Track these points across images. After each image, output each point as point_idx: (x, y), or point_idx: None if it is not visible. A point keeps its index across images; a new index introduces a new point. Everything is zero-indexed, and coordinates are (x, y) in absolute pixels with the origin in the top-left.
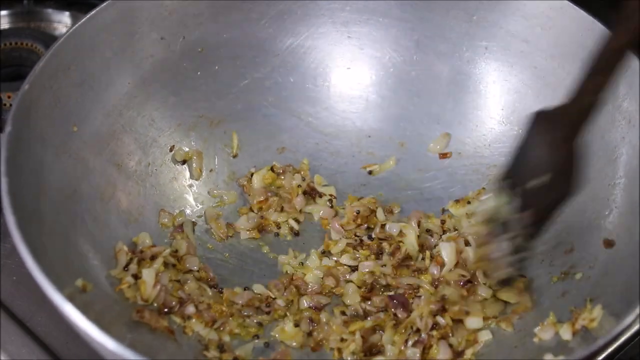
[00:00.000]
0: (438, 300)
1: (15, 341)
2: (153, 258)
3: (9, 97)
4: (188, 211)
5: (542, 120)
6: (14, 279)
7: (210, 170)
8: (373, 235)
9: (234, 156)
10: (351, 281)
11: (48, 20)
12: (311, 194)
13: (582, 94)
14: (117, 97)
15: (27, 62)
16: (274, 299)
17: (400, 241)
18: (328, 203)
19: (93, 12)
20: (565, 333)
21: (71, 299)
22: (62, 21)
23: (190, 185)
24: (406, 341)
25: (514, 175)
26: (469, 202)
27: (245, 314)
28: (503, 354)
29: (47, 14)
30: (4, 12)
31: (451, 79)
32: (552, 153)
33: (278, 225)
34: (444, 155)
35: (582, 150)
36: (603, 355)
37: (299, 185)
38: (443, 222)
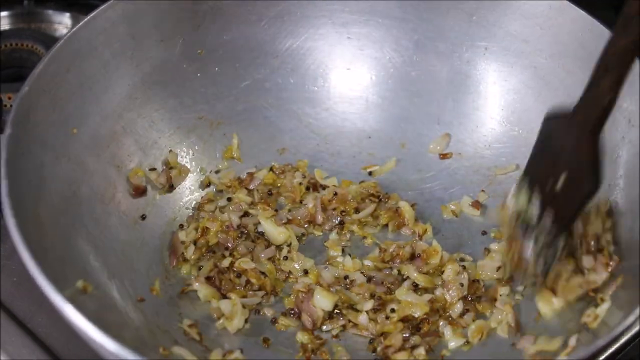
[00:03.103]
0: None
1: (15, 342)
2: None
3: (9, 98)
4: (188, 212)
5: (560, 120)
6: (14, 279)
7: (211, 172)
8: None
9: (235, 158)
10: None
11: (48, 21)
12: (314, 188)
13: (600, 93)
14: (116, 100)
15: (28, 63)
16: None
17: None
18: (333, 194)
19: (92, 14)
20: None
21: (72, 300)
22: (62, 22)
23: (191, 186)
24: None
25: (535, 174)
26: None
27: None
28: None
29: (48, 15)
30: (4, 13)
31: (451, 79)
32: (579, 150)
33: None
34: (444, 156)
35: (603, 148)
36: (604, 356)
37: (300, 183)
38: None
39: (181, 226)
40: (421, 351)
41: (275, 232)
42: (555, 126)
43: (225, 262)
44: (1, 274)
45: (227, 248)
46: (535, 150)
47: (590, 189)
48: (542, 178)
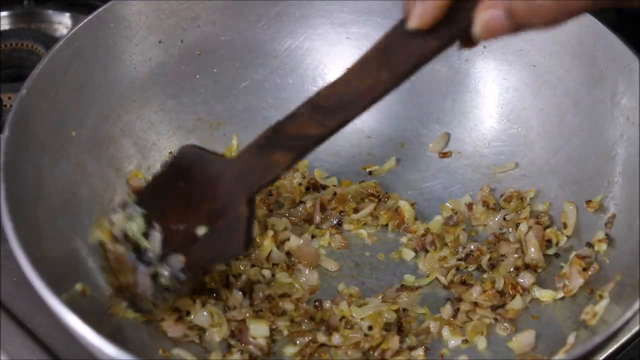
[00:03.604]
0: None
1: (15, 342)
2: None
3: (9, 98)
4: None
5: (211, 165)
6: (14, 279)
7: None
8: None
9: None
10: None
11: (48, 21)
12: (315, 188)
13: (274, 164)
14: (115, 101)
15: (28, 63)
16: None
17: None
18: (332, 194)
19: (90, 16)
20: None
21: (70, 303)
22: (62, 22)
23: None
24: None
25: (156, 205)
26: None
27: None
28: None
29: (48, 15)
30: (4, 13)
31: (450, 78)
32: (236, 209)
33: None
34: (444, 155)
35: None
36: (604, 356)
37: (300, 184)
38: None
39: None
40: (420, 352)
41: None
42: (198, 167)
43: None
44: (1, 274)
45: None
46: (162, 181)
47: (241, 250)
48: (167, 215)
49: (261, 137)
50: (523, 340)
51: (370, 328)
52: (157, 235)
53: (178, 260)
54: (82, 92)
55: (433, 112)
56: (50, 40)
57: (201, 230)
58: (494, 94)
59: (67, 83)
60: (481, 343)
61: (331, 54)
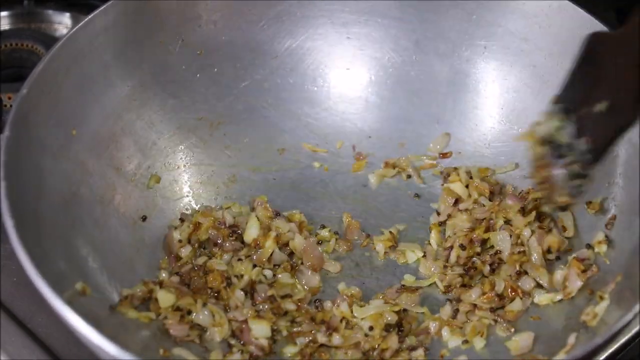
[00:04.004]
0: None
1: (15, 342)
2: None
3: (9, 98)
4: (188, 213)
5: (602, 44)
6: (15, 279)
7: (212, 173)
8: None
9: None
10: None
11: (48, 21)
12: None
13: None
14: (116, 101)
15: (28, 63)
16: None
17: None
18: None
19: (91, 15)
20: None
21: (70, 302)
22: (62, 22)
23: (190, 188)
24: None
25: (569, 99)
26: None
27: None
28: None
29: (48, 15)
30: (4, 13)
31: (450, 78)
32: (617, 78)
33: None
34: (444, 155)
35: None
36: (604, 356)
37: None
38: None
39: (175, 228)
40: (420, 352)
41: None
42: (599, 49)
43: (200, 260)
44: (1, 274)
45: (216, 245)
46: (573, 75)
47: (630, 119)
48: (578, 103)
49: None
50: (521, 341)
51: (371, 328)
52: (569, 127)
53: (582, 142)
54: (83, 92)
55: (433, 112)
56: (50, 40)
57: (603, 107)
58: (494, 95)
59: (67, 82)
60: (479, 343)
61: (332, 54)
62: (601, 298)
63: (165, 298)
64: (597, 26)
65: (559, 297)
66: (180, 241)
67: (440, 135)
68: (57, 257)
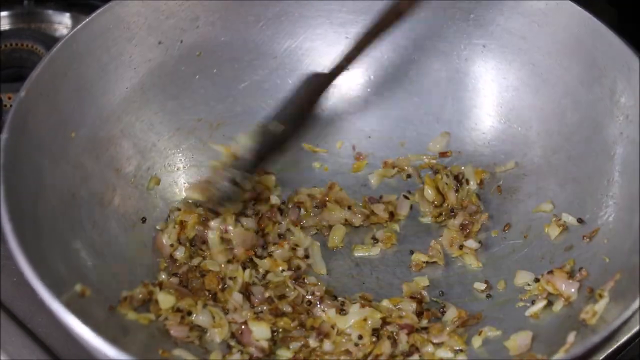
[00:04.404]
0: None
1: (15, 342)
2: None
3: (9, 98)
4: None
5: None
6: (14, 279)
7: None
8: None
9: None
10: None
11: (48, 21)
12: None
13: None
14: (115, 102)
15: (28, 63)
16: None
17: None
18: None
19: (89, 18)
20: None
21: (69, 304)
22: (62, 22)
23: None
24: None
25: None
26: None
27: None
28: None
29: (48, 15)
30: (4, 13)
31: (449, 77)
32: None
33: None
34: (444, 155)
35: None
36: (603, 355)
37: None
38: None
39: (162, 230)
40: (415, 358)
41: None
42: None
43: (195, 261)
44: (1, 274)
45: (204, 242)
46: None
47: None
48: None
49: None
50: (519, 340)
51: (360, 337)
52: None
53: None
54: (82, 93)
55: (433, 111)
56: (50, 40)
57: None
58: (493, 93)
59: (66, 84)
60: (476, 341)
61: (331, 54)
62: (600, 296)
63: (165, 299)
64: (595, 23)
65: (560, 305)
66: (172, 245)
67: (439, 135)
68: (56, 259)
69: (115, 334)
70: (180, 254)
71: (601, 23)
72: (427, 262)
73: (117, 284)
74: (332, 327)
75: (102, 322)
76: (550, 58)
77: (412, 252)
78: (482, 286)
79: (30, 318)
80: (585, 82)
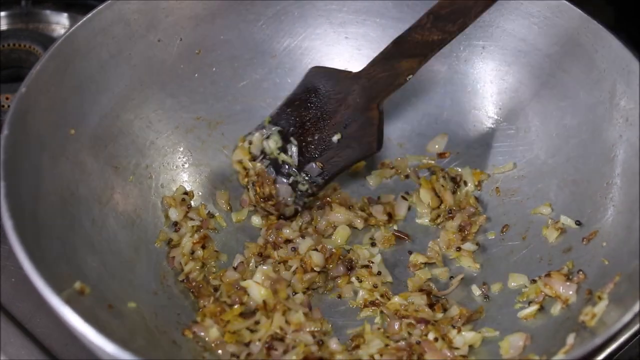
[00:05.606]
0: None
1: (14, 342)
2: None
3: (7, 98)
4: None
5: (334, 79)
6: (13, 280)
7: (210, 172)
8: None
9: None
10: None
11: (46, 21)
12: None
13: (399, 72)
14: (114, 100)
15: (26, 63)
16: None
17: None
18: None
19: (89, 15)
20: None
21: (69, 301)
22: (60, 22)
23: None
24: None
25: (291, 124)
26: None
27: None
28: None
29: (46, 15)
30: (2, 14)
31: (448, 78)
32: (367, 116)
33: None
34: (442, 155)
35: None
36: (603, 355)
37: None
38: None
39: (174, 246)
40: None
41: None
42: (326, 83)
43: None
44: (0, 275)
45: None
46: (294, 101)
47: (374, 150)
48: (303, 128)
49: (385, 50)
50: (512, 341)
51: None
52: (294, 149)
53: (316, 167)
54: (81, 91)
55: (431, 112)
56: (48, 40)
57: (335, 137)
58: (492, 95)
59: (66, 81)
60: (477, 340)
61: (330, 54)
62: (600, 298)
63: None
64: (594, 25)
65: (558, 308)
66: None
67: (438, 136)
68: (56, 256)
69: (114, 331)
70: (193, 265)
71: (601, 25)
72: (425, 263)
73: (116, 282)
74: None
75: (102, 319)
76: (549, 60)
77: (410, 253)
78: (478, 292)
79: (29, 319)
80: (584, 85)
